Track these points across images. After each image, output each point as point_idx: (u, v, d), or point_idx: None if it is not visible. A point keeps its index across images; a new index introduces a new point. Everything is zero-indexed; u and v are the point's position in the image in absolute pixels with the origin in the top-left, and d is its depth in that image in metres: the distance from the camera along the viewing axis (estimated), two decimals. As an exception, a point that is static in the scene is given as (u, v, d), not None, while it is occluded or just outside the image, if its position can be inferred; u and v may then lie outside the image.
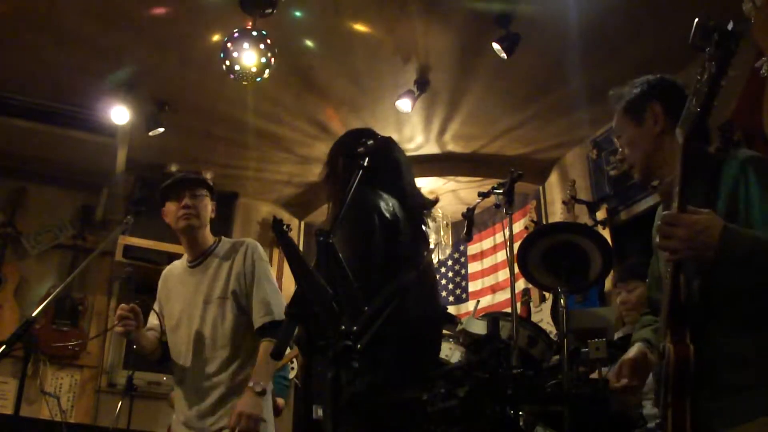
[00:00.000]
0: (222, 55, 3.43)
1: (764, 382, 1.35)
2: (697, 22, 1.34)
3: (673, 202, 1.41)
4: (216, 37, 3.72)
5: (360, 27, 3.77)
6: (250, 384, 2.20)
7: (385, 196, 1.92)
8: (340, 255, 1.38)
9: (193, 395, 2.32)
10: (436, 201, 2.19)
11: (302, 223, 6.03)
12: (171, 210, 2.43)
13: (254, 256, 2.43)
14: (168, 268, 2.59)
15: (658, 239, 1.43)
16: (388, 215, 1.85)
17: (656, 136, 1.62)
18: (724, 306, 1.43)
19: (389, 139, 2.03)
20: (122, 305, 2.29)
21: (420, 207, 2.07)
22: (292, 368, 5.03)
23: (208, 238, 2.49)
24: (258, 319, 2.33)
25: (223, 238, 2.55)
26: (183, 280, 2.46)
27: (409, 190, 2.05)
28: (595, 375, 2.83)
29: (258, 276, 2.39)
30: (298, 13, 3.63)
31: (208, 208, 2.48)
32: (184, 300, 2.43)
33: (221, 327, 2.34)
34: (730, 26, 1.32)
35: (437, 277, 6.13)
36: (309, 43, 3.90)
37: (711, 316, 1.43)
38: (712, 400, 1.39)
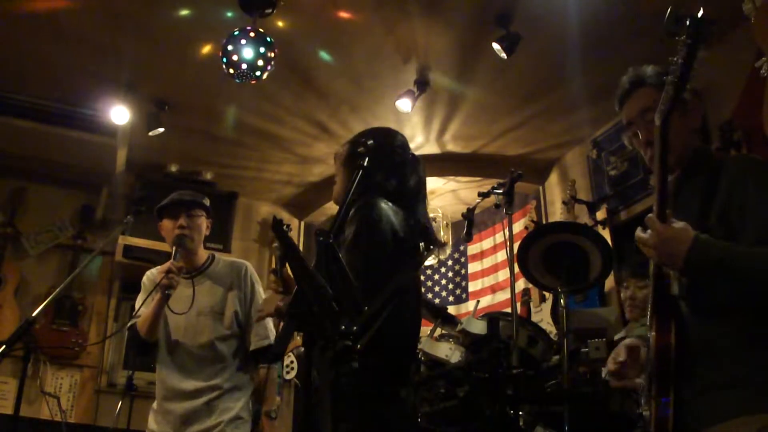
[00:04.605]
0: (222, 54, 3.43)
1: (745, 378, 1.36)
2: (670, 10, 1.41)
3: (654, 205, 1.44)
4: (216, 37, 3.72)
5: (360, 27, 3.77)
6: (266, 410, 2.46)
7: (400, 212, 1.87)
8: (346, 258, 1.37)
9: (184, 397, 2.39)
10: (444, 244, 2.19)
11: (302, 223, 6.03)
12: (167, 227, 2.55)
13: (253, 279, 2.60)
14: (154, 272, 2.59)
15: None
16: (401, 233, 1.81)
17: (691, 132, 1.62)
18: (707, 302, 1.44)
19: (418, 158, 2.05)
20: (174, 262, 2.38)
21: (426, 239, 2.01)
22: (292, 368, 5.04)
23: (202, 254, 2.62)
24: (256, 342, 2.49)
25: (216, 255, 2.67)
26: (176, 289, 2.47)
27: (423, 221, 1.99)
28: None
29: (256, 300, 2.54)
30: (297, 13, 3.63)
31: (203, 227, 2.60)
32: (177, 309, 2.45)
33: (216, 339, 2.45)
34: (700, 13, 1.37)
35: (437, 277, 6.14)
36: (309, 43, 3.90)
37: (695, 311, 1.46)
38: (695, 396, 1.41)
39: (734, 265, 1.37)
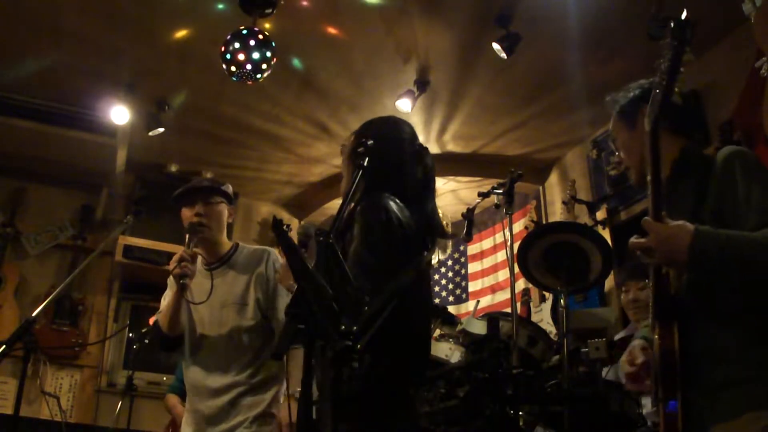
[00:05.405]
0: (224, 51, 3.42)
1: (748, 376, 1.37)
2: (652, 13, 1.39)
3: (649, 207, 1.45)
4: (216, 37, 3.72)
5: (360, 27, 3.77)
6: (291, 392, 2.26)
7: (406, 208, 1.82)
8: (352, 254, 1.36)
9: (209, 395, 2.33)
10: (452, 235, 2.13)
11: (302, 223, 6.03)
12: (186, 215, 2.46)
13: (276, 265, 2.48)
14: None
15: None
16: (409, 231, 1.79)
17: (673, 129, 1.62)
18: (708, 300, 1.45)
19: (426, 149, 1.99)
20: (186, 250, 2.29)
21: (437, 234, 1.96)
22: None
23: (225, 243, 2.51)
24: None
25: (240, 243, 2.57)
26: (199, 282, 2.43)
27: (429, 213, 1.94)
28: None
29: (279, 287, 2.44)
30: (297, 13, 3.63)
31: (224, 214, 2.49)
32: (196, 299, 2.40)
33: (240, 331, 2.37)
34: (683, 15, 1.37)
35: (437, 277, 6.14)
36: (309, 43, 3.90)
37: (697, 310, 1.46)
38: (702, 395, 1.41)
39: (738, 250, 1.36)
